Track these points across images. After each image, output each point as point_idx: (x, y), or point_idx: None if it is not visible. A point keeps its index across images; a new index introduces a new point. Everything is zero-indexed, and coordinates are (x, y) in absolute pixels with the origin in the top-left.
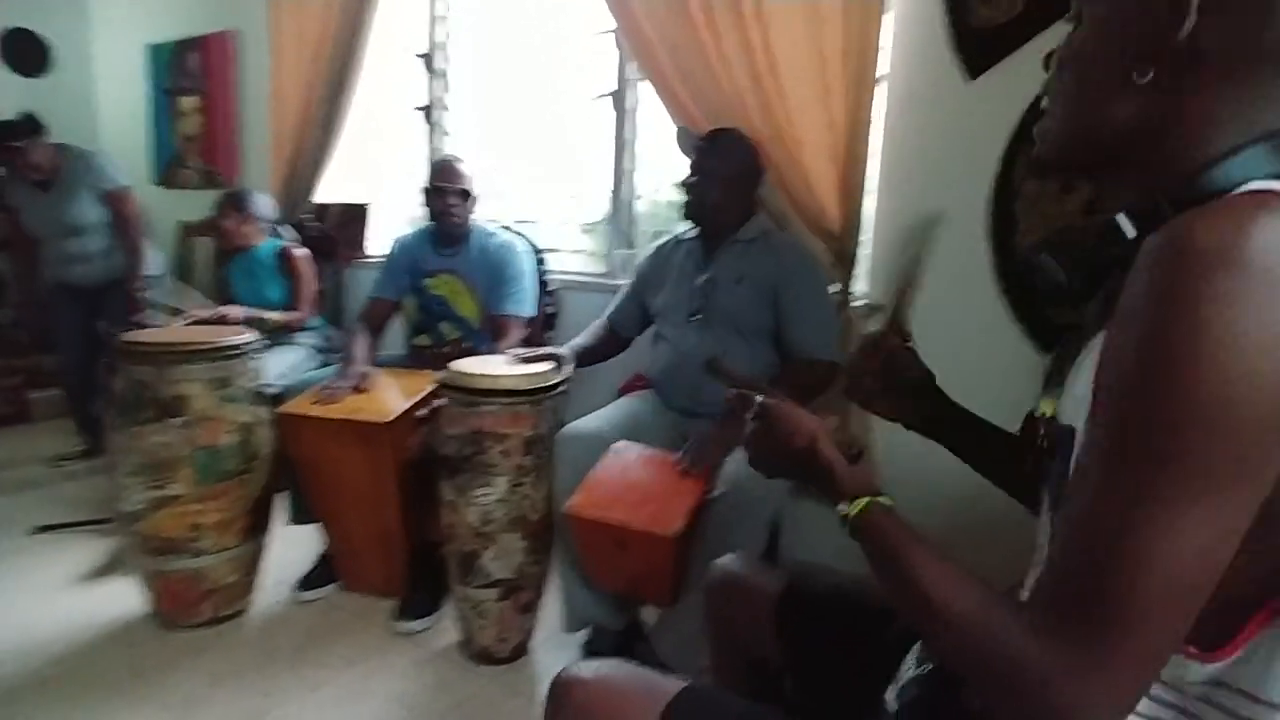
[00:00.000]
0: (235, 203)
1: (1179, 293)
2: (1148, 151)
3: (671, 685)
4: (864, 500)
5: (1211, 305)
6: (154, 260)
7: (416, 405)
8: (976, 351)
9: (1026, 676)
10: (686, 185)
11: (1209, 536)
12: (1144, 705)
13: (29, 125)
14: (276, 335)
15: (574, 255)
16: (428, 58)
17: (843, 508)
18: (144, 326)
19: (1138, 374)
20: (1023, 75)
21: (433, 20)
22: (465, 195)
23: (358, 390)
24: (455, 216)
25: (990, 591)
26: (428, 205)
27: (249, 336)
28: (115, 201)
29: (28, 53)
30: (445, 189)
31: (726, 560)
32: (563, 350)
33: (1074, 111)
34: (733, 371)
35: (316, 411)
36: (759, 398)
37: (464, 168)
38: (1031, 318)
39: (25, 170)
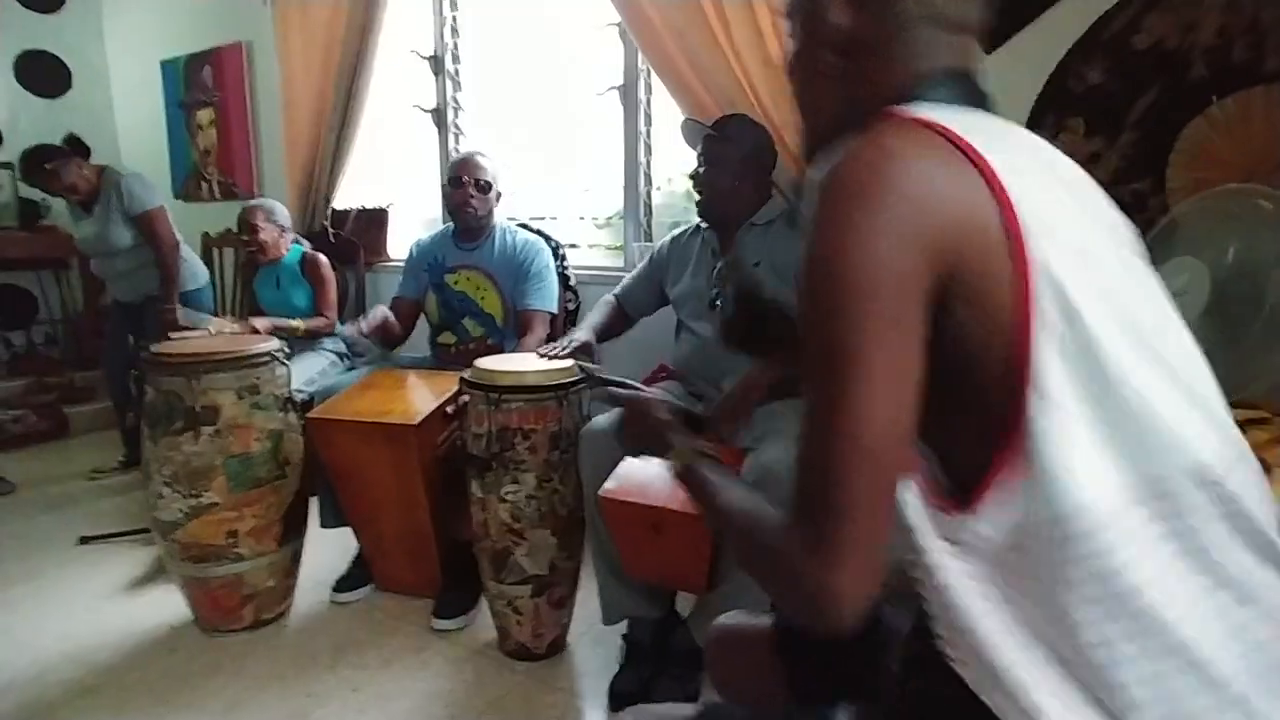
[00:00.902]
0: (270, 215)
1: (826, 212)
2: (858, 125)
3: (686, 712)
4: (684, 453)
5: (853, 214)
6: (197, 273)
7: (444, 405)
8: None
9: (783, 567)
10: (696, 176)
11: (891, 408)
12: (966, 569)
13: (63, 149)
14: (302, 341)
15: (591, 250)
16: (436, 59)
17: (672, 467)
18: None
19: (806, 282)
20: (1042, 45)
21: (439, 21)
22: (486, 188)
23: (386, 330)
24: (474, 209)
25: (765, 502)
26: (448, 199)
27: (276, 344)
28: (145, 224)
29: (46, 74)
30: (464, 181)
31: (723, 617)
32: (583, 334)
33: (804, 111)
34: (596, 373)
35: (346, 415)
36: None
37: (485, 162)
38: None
39: (61, 191)
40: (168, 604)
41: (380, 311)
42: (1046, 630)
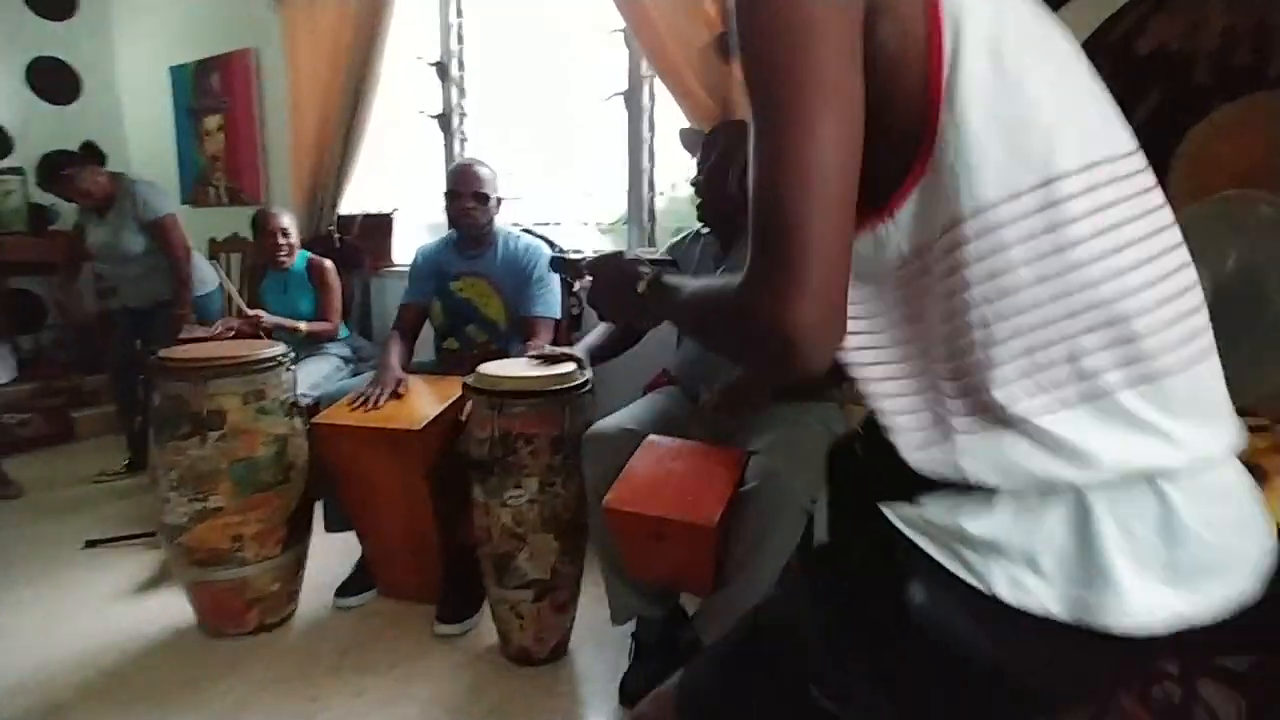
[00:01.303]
0: (280, 219)
1: None
2: None
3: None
4: (647, 275)
5: None
6: (206, 279)
7: (448, 410)
8: None
9: (746, 317)
10: (697, 183)
11: (845, 131)
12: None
13: (80, 155)
14: (307, 346)
15: (595, 256)
16: (442, 65)
17: (640, 287)
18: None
19: (751, 18)
20: None
21: (445, 28)
22: (483, 199)
23: (396, 395)
24: (472, 220)
25: (724, 279)
26: (447, 210)
27: (281, 349)
28: (158, 230)
29: (56, 81)
30: (461, 193)
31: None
32: (578, 352)
33: None
34: (573, 264)
35: (350, 420)
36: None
37: (483, 171)
38: None
39: (77, 197)
40: (173, 607)
41: (393, 376)
42: (941, 331)
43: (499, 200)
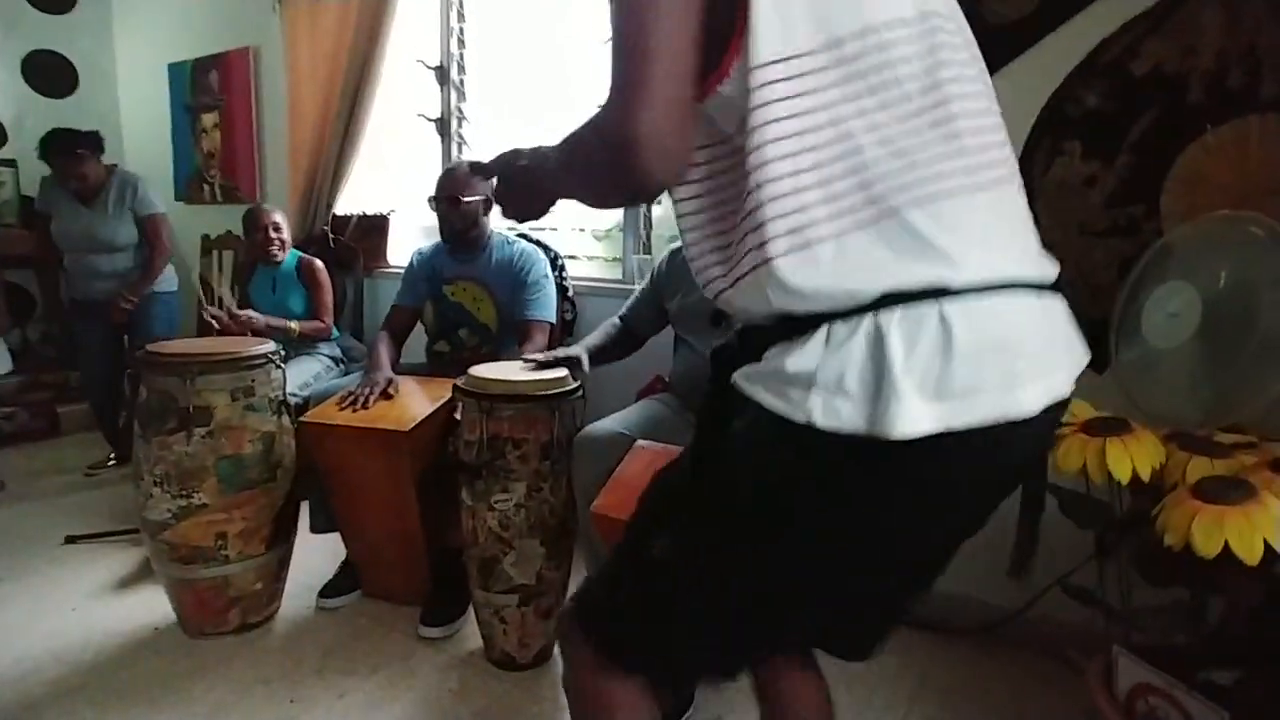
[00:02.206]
0: (272, 215)
1: None
2: None
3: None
4: (529, 156)
5: None
6: (172, 277)
7: (438, 412)
8: None
9: (601, 131)
10: None
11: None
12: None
13: (94, 139)
14: (297, 346)
15: (590, 262)
16: (441, 69)
17: (522, 161)
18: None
19: None
20: (1041, 70)
21: (446, 32)
22: (456, 202)
23: (385, 395)
24: (448, 223)
25: None
26: (435, 214)
27: (271, 346)
28: (152, 226)
29: (53, 74)
30: (438, 196)
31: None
32: (578, 350)
33: None
34: (484, 166)
35: (339, 420)
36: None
37: (461, 175)
38: None
39: (73, 178)
40: (154, 605)
41: (383, 376)
42: (756, 177)
43: (486, 203)
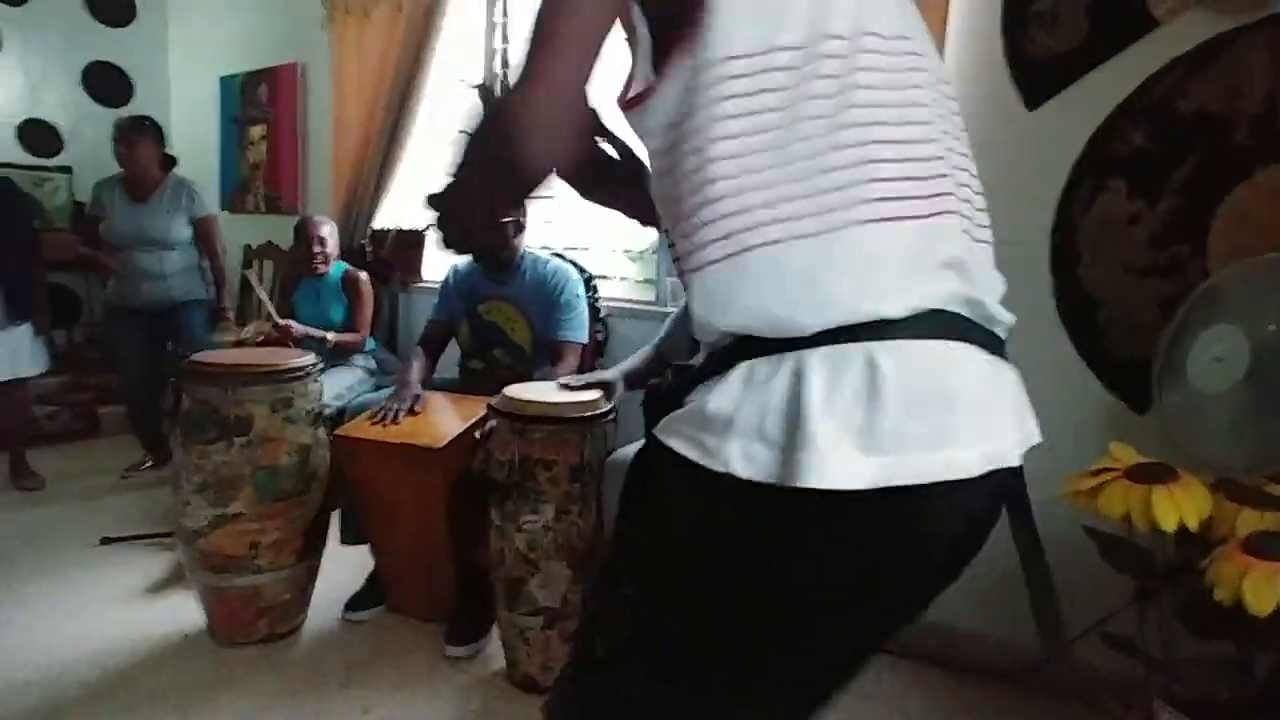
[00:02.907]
0: (320, 228)
1: None
2: None
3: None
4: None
5: None
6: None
7: (469, 430)
8: (1037, 384)
9: (495, 112)
10: None
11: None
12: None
13: (157, 127)
14: (332, 356)
15: (623, 283)
16: (484, 88)
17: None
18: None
19: None
20: (1084, 105)
21: (490, 53)
22: None
23: (413, 412)
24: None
25: None
26: None
27: (311, 359)
28: (206, 227)
29: (110, 85)
30: None
31: None
32: (612, 375)
33: None
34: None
35: (371, 435)
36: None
37: None
38: (1097, 353)
39: (129, 159)
40: (184, 611)
41: (412, 393)
42: (696, 180)
43: (517, 224)
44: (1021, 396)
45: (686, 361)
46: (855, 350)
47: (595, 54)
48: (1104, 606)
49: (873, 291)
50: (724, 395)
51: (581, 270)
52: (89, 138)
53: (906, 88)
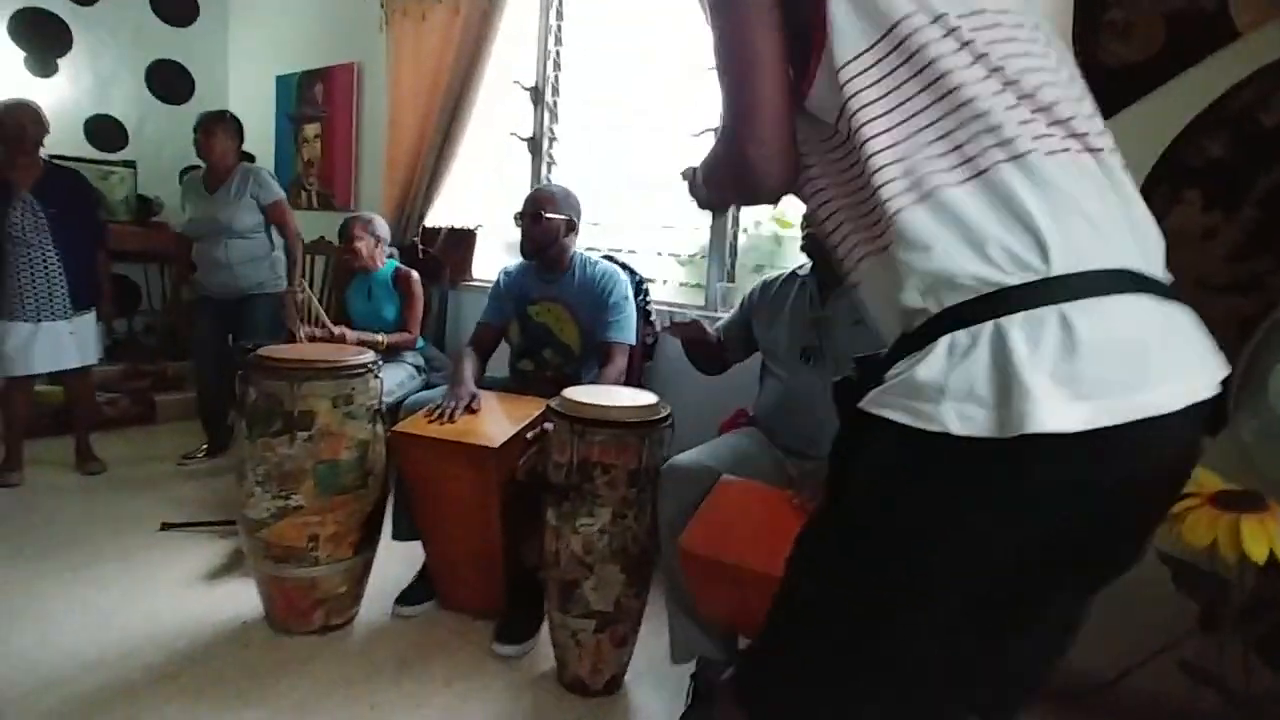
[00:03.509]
0: (369, 226)
1: None
2: None
3: None
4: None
5: None
6: (280, 277)
7: (524, 430)
8: None
9: (724, 157)
10: (807, 218)
11: (769, 42)
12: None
13: (234, 121)
14: (383, 354)
15: (674, 287)
16: (536, 90)
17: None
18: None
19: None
20: (1160, 116)
21: (543, 55)
22: (538, 218)
23: (470, 410)
24: (528, 237)
25: None
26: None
27: (371, 356)
28: (277, 211)
29: (173, 82)
30: (524, 211)
31: None
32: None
33: None
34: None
35: (429, 432)
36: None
37: (545, 192)
38: None
39: (207, 154)
40: (242, 598)
41: (467, 391)
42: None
43: (569, 223)
44: (1201, 334)
45: (867, 354)
46: (1049, 313)
47: (785, 79)
48: (1168, 633)
49: (1037, 252)
50: (931, 366)
51: (632, 273)
52: (151, 133)
53: (1025, 41)
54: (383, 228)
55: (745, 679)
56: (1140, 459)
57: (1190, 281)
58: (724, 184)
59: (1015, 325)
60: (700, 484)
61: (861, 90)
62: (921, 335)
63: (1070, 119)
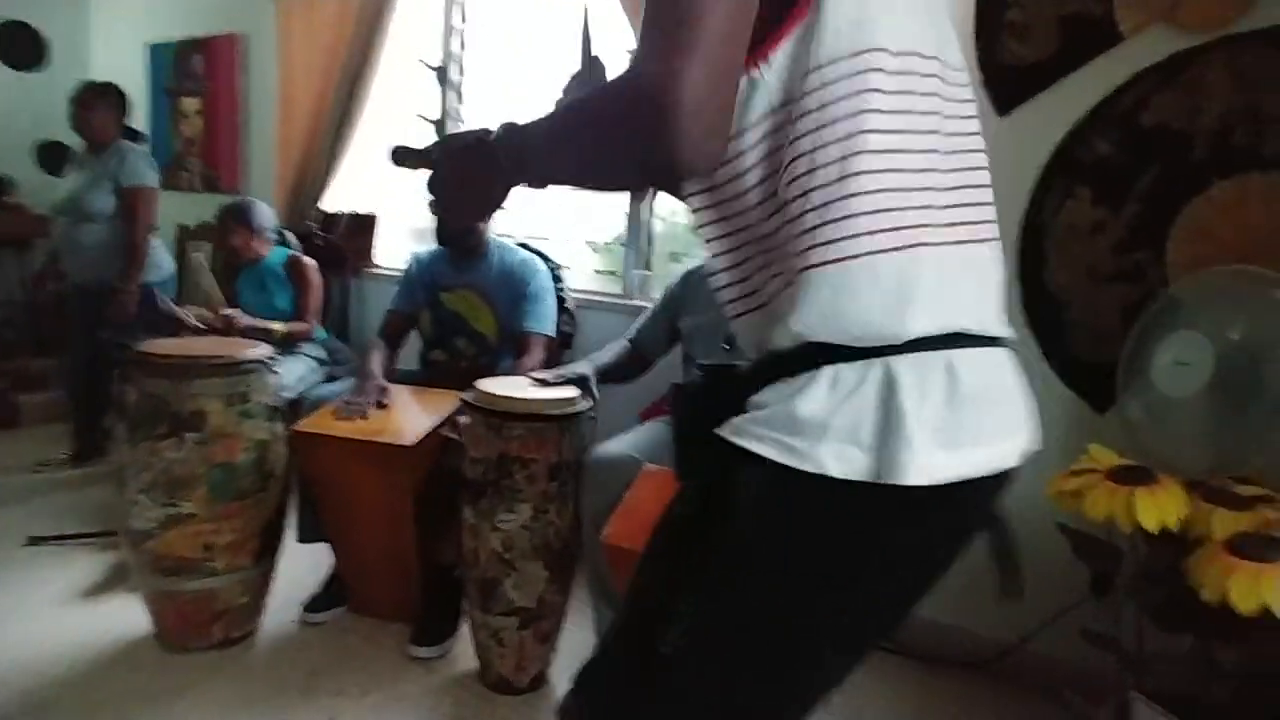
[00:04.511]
0: (240, 217)
1: None
2: None
3: None
4: (497, 131)
5: None
6: (161, 265)
7: (438, 426)
8: None
9: (633, 93)
10: None
11: None
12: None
13: (113, 92)
14: (281, 347)
15: (588, 274)
16: (441, 70)
17: (491, 137)
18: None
19: None
20: (1053, 113)
21: (447, 32)
22: None
23: (379, 405)
24: (448, 226)
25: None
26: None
27: (268, 350)
28: (128, 197)
29: (22, 46)
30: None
31: None
32: (585, 368)
33: None
34: (415, 152)
35: (337, 431)
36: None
37: None
38: (1060, 354)
39: (85, 130)
40: (127, 615)
41: (377, 385)
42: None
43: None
44: (1027, 388)
45: (714, 362)
46: (937, 358)
47: (750, 19)
48: (1062, 601)
49: (959, 307)
50: (813, 400)
51: (547, 260)
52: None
53: (968, 111)
54: (261, 214)
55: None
56: (984, 505)
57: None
58: (610, 141)
59: (904, 368)
60: (624, 476)
61: (866, 93)
62: (796, 361)
63: (982, 205)
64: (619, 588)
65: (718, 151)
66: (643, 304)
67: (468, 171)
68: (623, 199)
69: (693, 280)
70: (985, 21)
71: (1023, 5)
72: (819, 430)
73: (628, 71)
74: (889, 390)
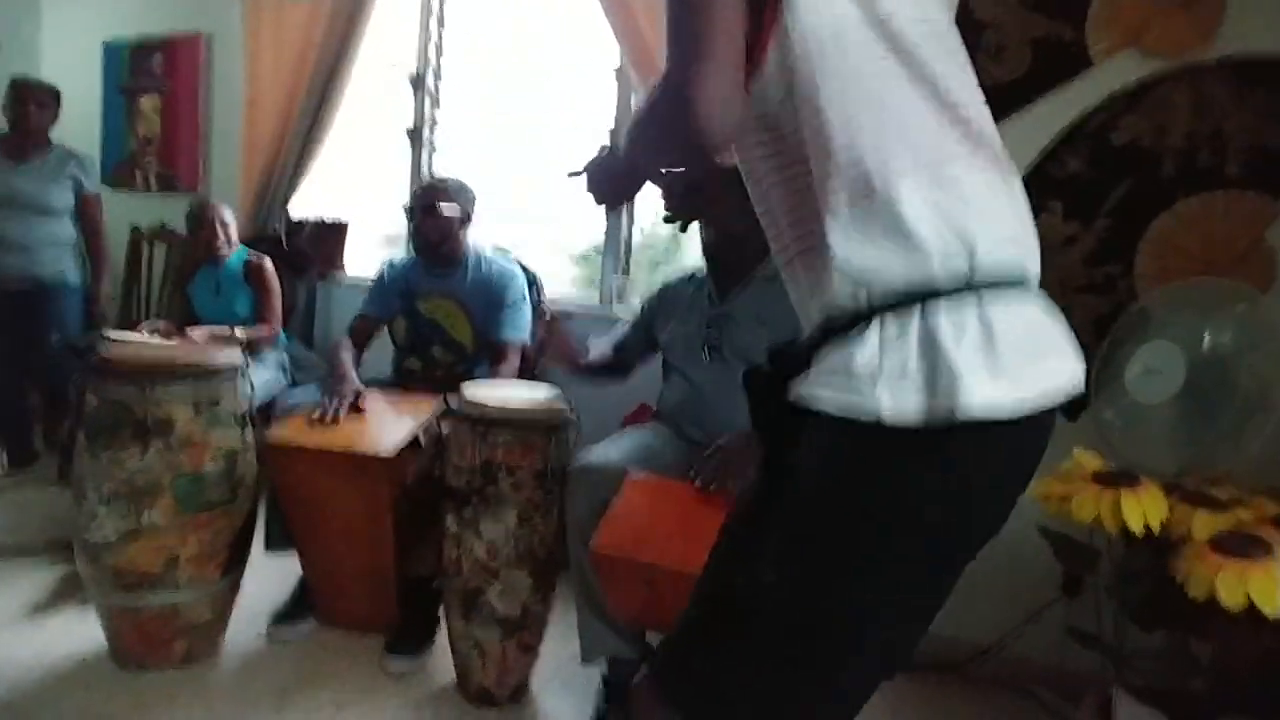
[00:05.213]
0: (216, 214)
1: None
2: None
3: None
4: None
5: None
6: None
7: (418, 432)
8: None
9: (666, 90)
10: (706, 219)
11: None
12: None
13: (52, 92)
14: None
15: (561, 281)
16: (418, 78)
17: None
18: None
19: None
20: (1028, 132)
21: (424, 38)
22: (431, 212)
23: (355, 409)
24: (426, 235)
25: None
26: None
27: (239, 355)
28: (90, 205)
29: None
30: (417, 207)
31: None
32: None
33: None
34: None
35: (311, 442)
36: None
37: (448, 186)
38: None
39: (24, 126)
40: (78, 632)
41: (351, 388)
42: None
43: (464, 216)
44: (1067, 329)
45: (779, 345)
46: (969, 309)
47: (744, 20)
48: (1036, 601)
49: (964, 256)
50: (865, 350)
51: (526, 270)
52: None
53: (951, 45)
54: (229, 213)
55: (671, 675)
56: (1039, 442)
57: (1054, 284)
58: (659, 137)
59: (942, 313)
60: (610, 483)
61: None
62: (849, 324)
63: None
64: (606, 596)
65: (735, 126)
66: (619, 314)
67: (603, 170)
68: (598, 211)
69: (668, 294)
70: (964, 42)
71: (997, 28)
72: (871, 376)
73: (662, 79)
74: (929, 333)
